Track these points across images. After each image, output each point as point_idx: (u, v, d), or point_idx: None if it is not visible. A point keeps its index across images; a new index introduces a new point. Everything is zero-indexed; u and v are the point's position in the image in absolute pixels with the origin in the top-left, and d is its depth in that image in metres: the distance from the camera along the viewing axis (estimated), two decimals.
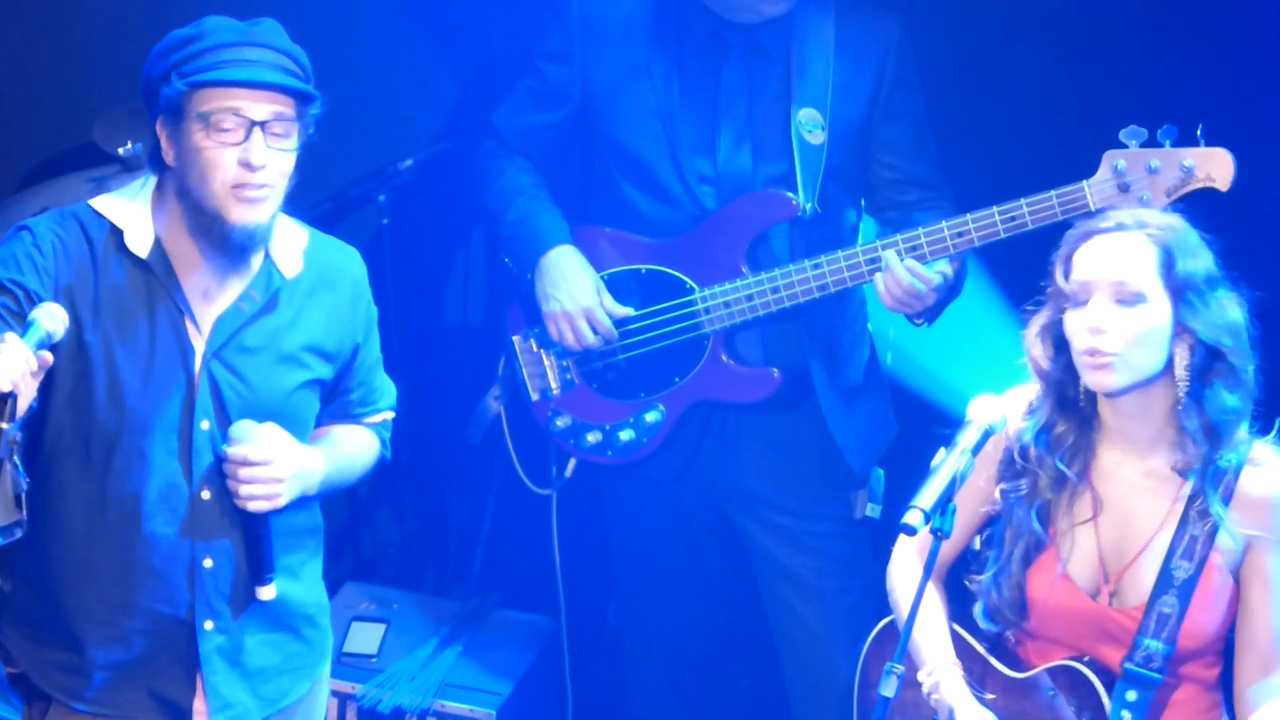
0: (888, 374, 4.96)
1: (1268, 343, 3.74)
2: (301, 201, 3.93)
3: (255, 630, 3.84)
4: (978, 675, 3.85)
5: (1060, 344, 3.73)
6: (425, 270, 5.56)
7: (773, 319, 4.69)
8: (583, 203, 4.90)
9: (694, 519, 4.90)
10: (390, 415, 4.08)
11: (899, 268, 4.50)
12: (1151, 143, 4.31)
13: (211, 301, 3.76)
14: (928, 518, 3.48)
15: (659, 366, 4.76)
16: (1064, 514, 3.78)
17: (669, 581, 4.96)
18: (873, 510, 4.80)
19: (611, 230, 4.79)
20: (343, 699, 5.02)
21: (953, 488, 3.53)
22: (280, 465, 3.73)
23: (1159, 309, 3.65)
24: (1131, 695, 3.72)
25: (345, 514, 5.62)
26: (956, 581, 3.92)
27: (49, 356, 3.49)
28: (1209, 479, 3.68)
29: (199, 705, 3.82)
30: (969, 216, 4.48)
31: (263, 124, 3.65)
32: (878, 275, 4.55)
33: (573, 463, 4.89)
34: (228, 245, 3.71)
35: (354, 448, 3.99)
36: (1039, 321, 3.77)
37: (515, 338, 4.88)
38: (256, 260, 3.79)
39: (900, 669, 3.53)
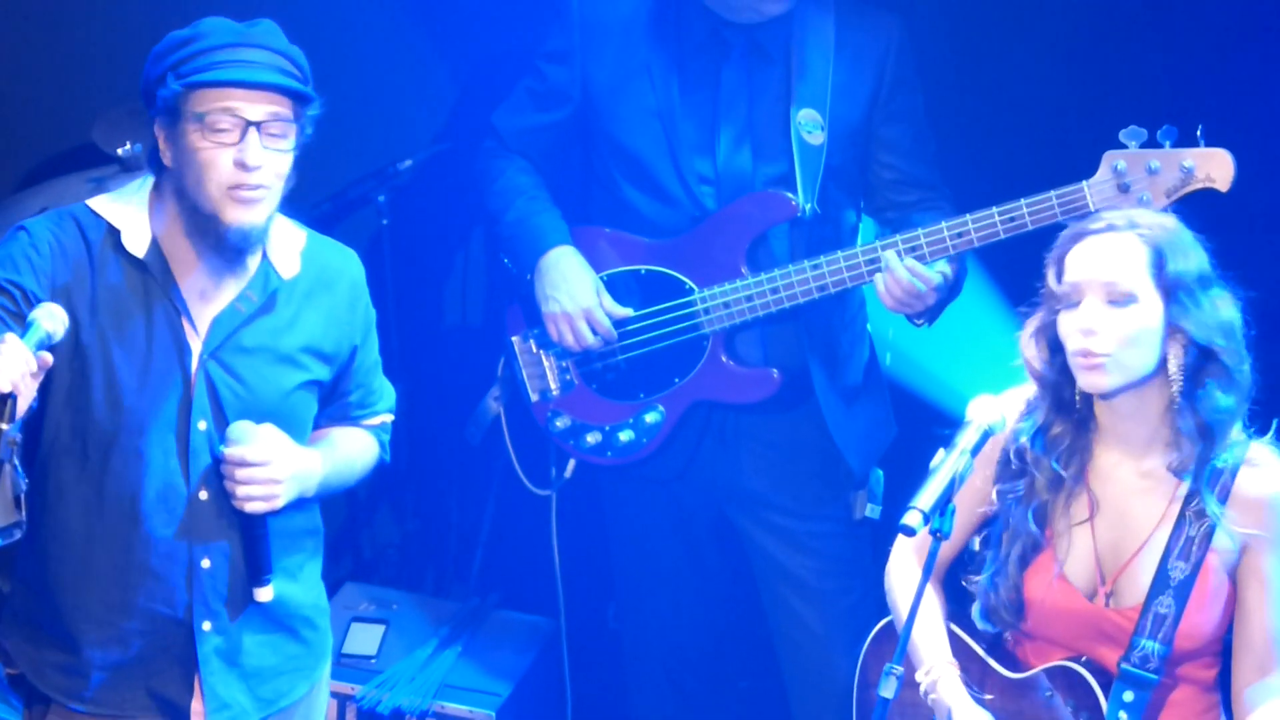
0: (887, 374, 4.96)
1: (1266, 343, 3.73)
2: (301, 202, 3.93)
3: (253, 631, 3.84)
4: (975, 675, 3.84)
5: (1055, 346, 3.72)
6: (425, 271, 5.56)
7: (772, 319, 4.68)
8: (582, 203, 4.89)
9: (694, 520, 4.89)
10: (389, 418, 4.07)
11: (899, 268, 4.50)
12: (1151, 143, 4.30)
13: (209, 302, 3.76)
14: (927, 518, 3.48)
15: (658, 367, 4.76)
16: (1061, 515, 3.78)
17: (669, 582, 4.95)
18: (872, 511, 4.80)
19: (611, 231, 4.79)
20: (342, 700, 5.01)
21: (952, 488, 3.53)
22: (278, 466, 3.72)
23: (1150, 309, 3.64)
24: (1128, 696, 3.72)
25: (345, 514, 5.61)
26: (954, 582, 3.92)
27: (49, 357, 3.49)
28: (1205, 479, 3.67)
29: (197, 706, 3.82)
30: (968, 217, 4.48)
31: (258, 124, 3.64)
32: (877, 276, 4.54)
33: (572, 463, 4.88)
34: (224, 246, 3.70)
35: (353, 450, 3.98)
36: (1033, 323, 3.76)
37: (515, 338, 4.88)
38: (254, 261, 3.78)
39: (899, 669, 3.52)
